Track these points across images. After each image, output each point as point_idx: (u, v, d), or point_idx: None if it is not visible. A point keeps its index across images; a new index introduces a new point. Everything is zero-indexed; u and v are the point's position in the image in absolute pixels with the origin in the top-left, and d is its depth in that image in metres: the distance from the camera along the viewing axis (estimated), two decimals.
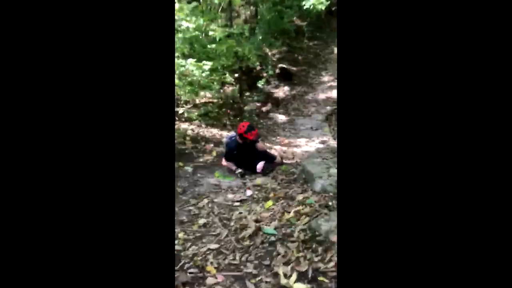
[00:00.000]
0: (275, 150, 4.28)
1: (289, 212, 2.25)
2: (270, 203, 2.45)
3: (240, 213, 2.35)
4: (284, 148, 5.18)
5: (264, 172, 3.38)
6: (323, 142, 5.64)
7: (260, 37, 5.69)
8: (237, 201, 2.56)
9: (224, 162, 3.46)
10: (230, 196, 2.65)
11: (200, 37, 5.31)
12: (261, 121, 6.68)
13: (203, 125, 4.59)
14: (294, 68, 8.24)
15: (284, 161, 3.81)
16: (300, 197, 2.47)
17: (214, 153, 3.65)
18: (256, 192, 2.67)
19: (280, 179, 2.96)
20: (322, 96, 7.55)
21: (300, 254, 1.74)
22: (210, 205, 2.48)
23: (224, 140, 3.69)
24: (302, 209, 2.28)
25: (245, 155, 3.52)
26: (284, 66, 8.14)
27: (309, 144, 5.49)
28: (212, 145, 3.99)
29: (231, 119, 5.90)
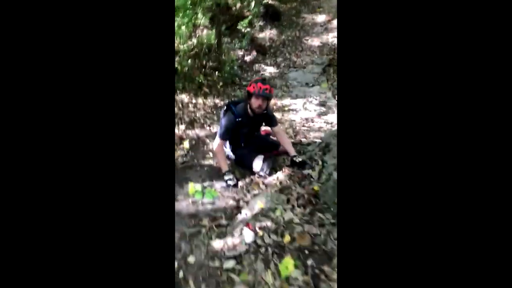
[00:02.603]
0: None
1: None
2: (289, 264, 1.33)
3: None
4: (278, 116, 3.93)
5: (265, 173, 2.19)
6: (323, 104, 4.43)
7: None
8: (231, 257, 1.41)
9: (216, 145, 2.19)
10: (217, 244, 1.48)
11: None
12: (245, 75, 5.24)
13: None
14: (283, 5, 6.49)
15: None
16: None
17: (185, 145, 2.34)
18: (260, 232, 1.52)
19: (295, 196, 1.79)
20: (317, 41, 6.06)
21: None
22: (181, 276, 1.32)
23: (224, 107, 2.36)
24: None
25: (247, 136, 2.31)
26: (270, 2, 6.37)
27: (307, 106, 4.26)
28: (183, 127, 2.64)
29: (208, 75, 4.42)
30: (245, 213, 1.66)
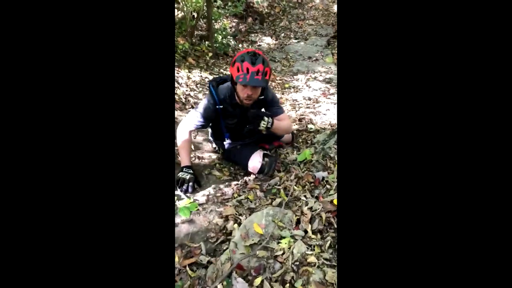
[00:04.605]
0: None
1: None
2: None
3: None
4: (279, 95, 3.30)
5: (265, 173, 1.60)
6: (328, 81, 3.80)
7: None
8: None
9: (182, 131, 1.51)
10: None
11: None
12: (239, 46, 4.52)
13: None
14: None
15: (294, 138, 2.00)
16: None
17: None
18: (257, 279, 0.97)
19: (308, 214, 1.23)
20: (321, 9, 5.29)
21: None
22: None
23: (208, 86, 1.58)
24: None
25: (234, 130, 1.62)
26: None
27: (310, 84, 3.63)
28: None
29: (195, 44, 3.71)
30: (235, 244, 1.10)
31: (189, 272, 1.01)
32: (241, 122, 1.52)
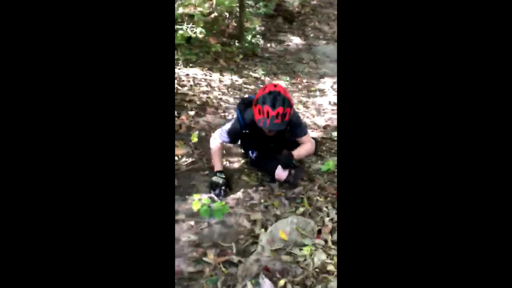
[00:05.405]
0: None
1: None
2: None
3: None
4: (304, 99, 3.38)
5: (290, 183, 1.71)
6: None
7: None
8: None
9: (214, 143, 1.68)
10: None
11: None
12: (268, 45, 4.60)
13: (180, 64, 2.64)
14: None
15: (318, 147, 2.10)
16: None
17: (193, 137, 1.87)
18: (281, 281, 1.11)
19: (329, 225, 1.34)
20: None
21: None
22: None
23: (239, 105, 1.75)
24: None
25: (259, 147, 1.79)
26: None
27: (336, 88, 3.68)
28: (192, 113, 2.15)
29: (225, 45, 3.84)
30: (262, 248, 1.25)
31: (223, 269, 1.18)
32: (266, 143, 1.64)
